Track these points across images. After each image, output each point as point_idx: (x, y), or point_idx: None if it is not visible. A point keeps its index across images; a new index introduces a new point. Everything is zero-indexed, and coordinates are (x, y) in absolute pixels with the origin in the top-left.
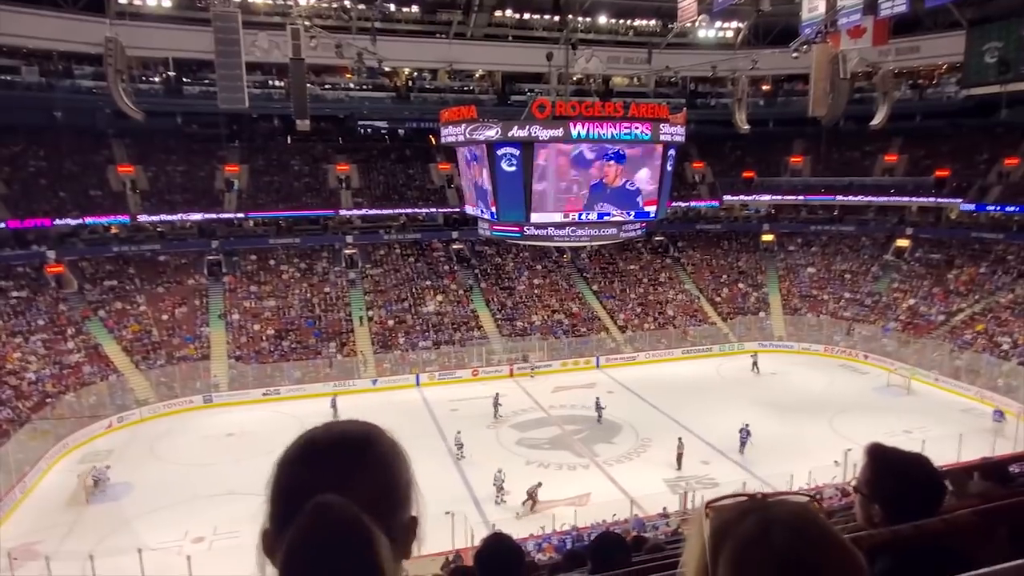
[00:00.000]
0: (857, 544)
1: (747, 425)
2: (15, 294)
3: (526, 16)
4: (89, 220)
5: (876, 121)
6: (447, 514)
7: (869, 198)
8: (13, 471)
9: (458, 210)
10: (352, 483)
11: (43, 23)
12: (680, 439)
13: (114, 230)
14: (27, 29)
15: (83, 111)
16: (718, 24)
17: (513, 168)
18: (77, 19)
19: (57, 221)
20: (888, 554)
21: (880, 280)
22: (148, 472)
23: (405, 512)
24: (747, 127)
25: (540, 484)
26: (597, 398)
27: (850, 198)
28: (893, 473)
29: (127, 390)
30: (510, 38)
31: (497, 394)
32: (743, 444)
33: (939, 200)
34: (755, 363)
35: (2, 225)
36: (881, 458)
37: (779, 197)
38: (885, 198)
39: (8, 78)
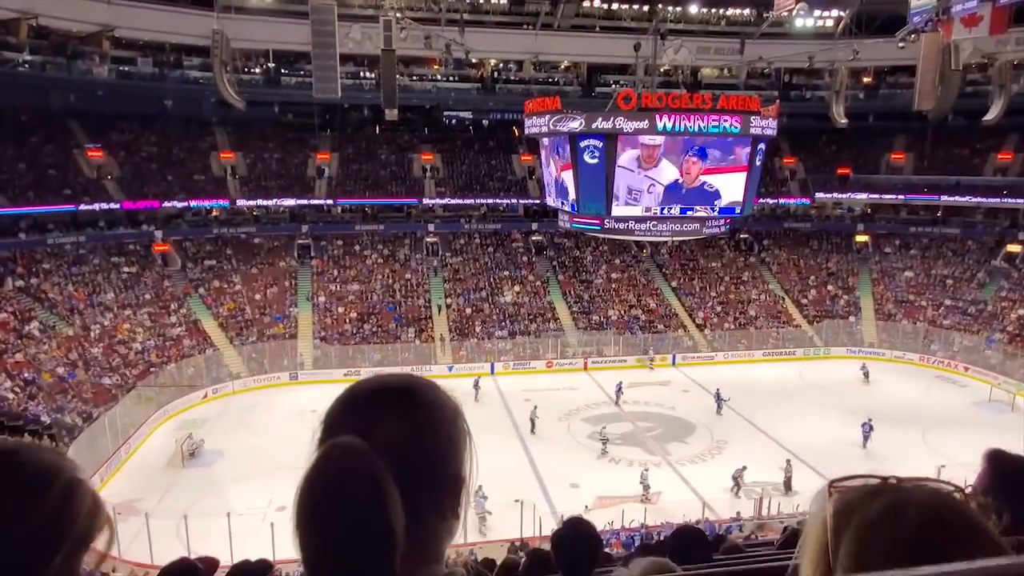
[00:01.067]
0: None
1: (870, 420)
2: (126, 270)
3: (614, 6)
4: (193, 203)
5: (990, 116)
6: (516, 502)
7: (978, 199)
8: (120, 433)
9: (539, 201)
10: (381, 427)
11: (157, 17)
12: (788, 461)
13: (215, 213)
14: (143, 23)
15: (191, 100)
16: (817, 12)
17: (596, 160)
18: (187, 13)
19: (165, 203)
20: None
21: (986, 287)
22: (238, 441)
23: (447, 465)
24: (845, 121)
25: (745, 467)
26: (718, 389)
27: (956, 198)
28: (1017, 477)
29: (221, 364)
30: (597, 29)
31: (620, 383)
32: (866, 438)
33: None
34: (866, 374)
35: (117, 205)
36: (1005, 463)
37: (876, 196)
38: (996, 199)
39: (125, 68)
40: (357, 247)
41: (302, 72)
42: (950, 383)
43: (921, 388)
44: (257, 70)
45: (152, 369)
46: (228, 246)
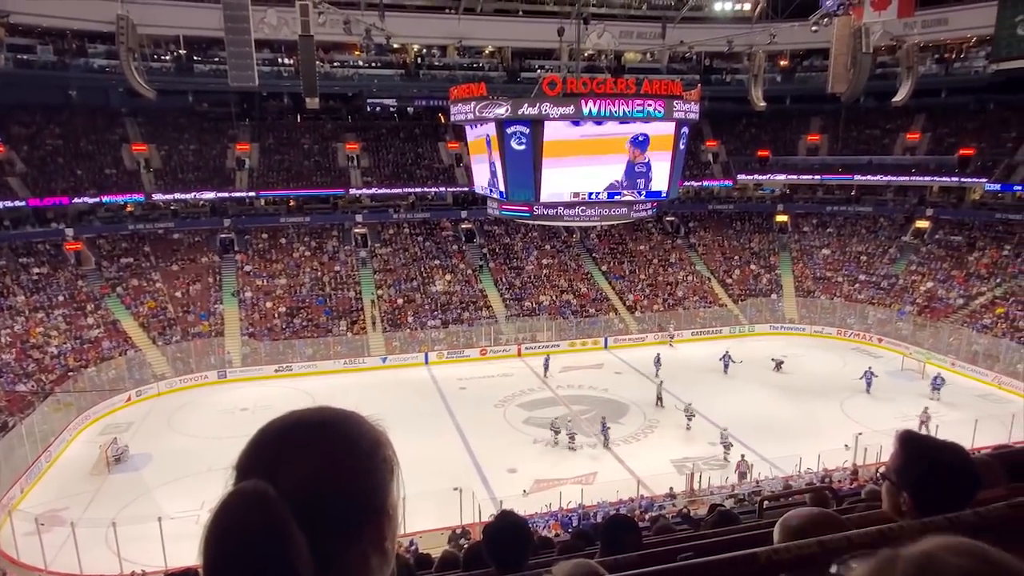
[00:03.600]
0: (885, 535)
1: (871, 368)
2: (36, 270)
3: None
4: (105, 198)
5: (899, 97)
6: (455, 490)
7: (888, 178)
8: (39, 441)
9: (467, 189)
10: (289, 467)
11: (56, 2)
12: (743, 456)
13: (129, 208)
14: (40, 8)
15: (97, 90)
16: None
17: (523, 147)
18: None
19: (75, 199)
20: None
21: (897, 262)
22: (166, 444)
23: (365, 499)
24: (763, 104)
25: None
26: (727, 351)
27: (868, 178)
28: (926, 460)
29: (145, 365)
30: (520, 13)
31: (547, 358)
32: (868, 384)
33: (962, 180)
34: (779, 364)
35: (23, 203)
36: (914, 445)
37: (795, 176)
38: (905, 178)
39: (24, 57)
40: (283, 240)
41: (216, 59)
42: (866, 354)
43: (839, 360)
44: (168, 58)
45: (70, 373)
46: (146, 242)
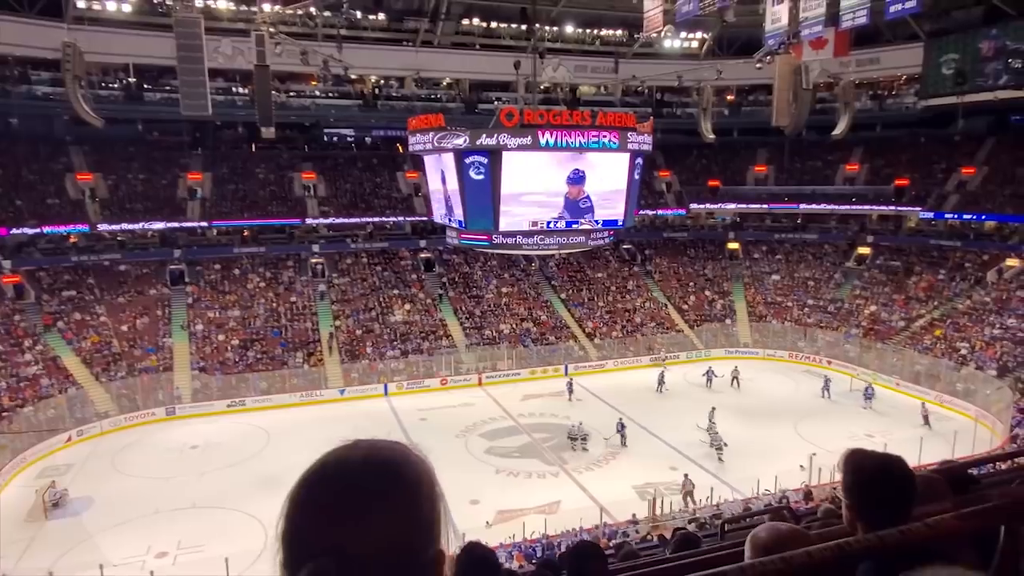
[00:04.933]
0: (843, 549)
1: (870, 385)
2: None
3: (493, 25)
4: (47, 229)
5: (837, 131)
6: None
7: (831, 206)
8: None
9: (425, 218)
10: (360, 534)
11: None
12: (686, 475)
13: (73, 239)
14: None
15: (40, 118)
16: (683, 34)
17: (481, 176)
18: (34, 23)
19: (13, 230)
20: (875, 559)
21: (842, 287)
22: (109, 486)
23: (430, 549)
24: (712, 136)
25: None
26: (710, 367)
27: (813, 206)
28: (869, 475)
29: (87, 403)
30: (477, 46)
31: (571, 380)
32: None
33: (899, 208)
34: (735, 378)
35: None
36: (858, 462)
37: (744, 205)
38: (847, 207)
39: None
40: (237, 271)
41: (168, 88)
42: (816, 376)
43: (791, 382)
44: (116, 85)
45: (4, 413)
46: (90, 275)
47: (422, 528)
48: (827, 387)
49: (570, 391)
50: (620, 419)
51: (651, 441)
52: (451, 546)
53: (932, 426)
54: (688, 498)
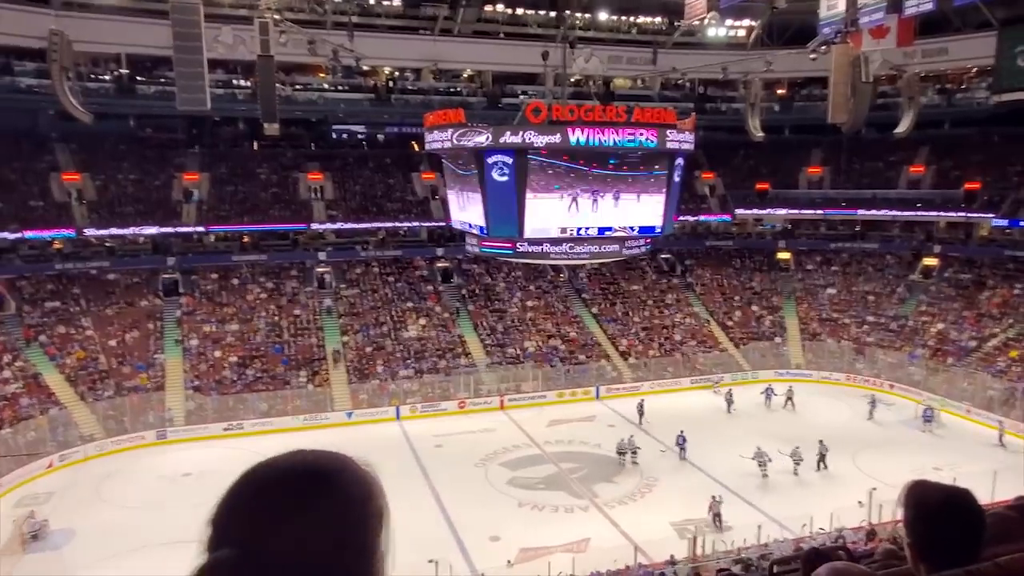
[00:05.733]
0: None
1: (683, 431)
2: None
3: (519, 11)
4: (29, 234)
5: (901, 129)
6: (430, 562)
7: (894, 212)
8: None
9: (443, 224)
10: (280, 533)
11: None
12: (714, 496)
13: (57, 245)
14: None
15: (24, 112)
16: (729, 22)
17: (505, 178)
18: (18, 9)
19: None
20: None
21: (907, 302)
22: (93, 517)
23: (360, 559)
24: (761, 134)
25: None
26: (681, 432)
27: (873, 212)
28: (933, 510)
29: (70, 425)
30: (501, 35)
31: (642, 401)
32: (927, 421)
33: (969, 215)
34: (789, 398)
35: None
36: (921, 495)
37: (796, 211)
38: (911, 213)
39: None
40: (235, 281)
41: (163, 80)
42: (878, 402)
43: (848, 408)
44: (107, 77)
45: None
46: (75, 284)
47: (351, 545)
48: (873, 407)
49: (640, 414)
50: (682, 431)
51: (691, 472)
52: (391, 565)
53: (1007, 447)
54: (717, 520)
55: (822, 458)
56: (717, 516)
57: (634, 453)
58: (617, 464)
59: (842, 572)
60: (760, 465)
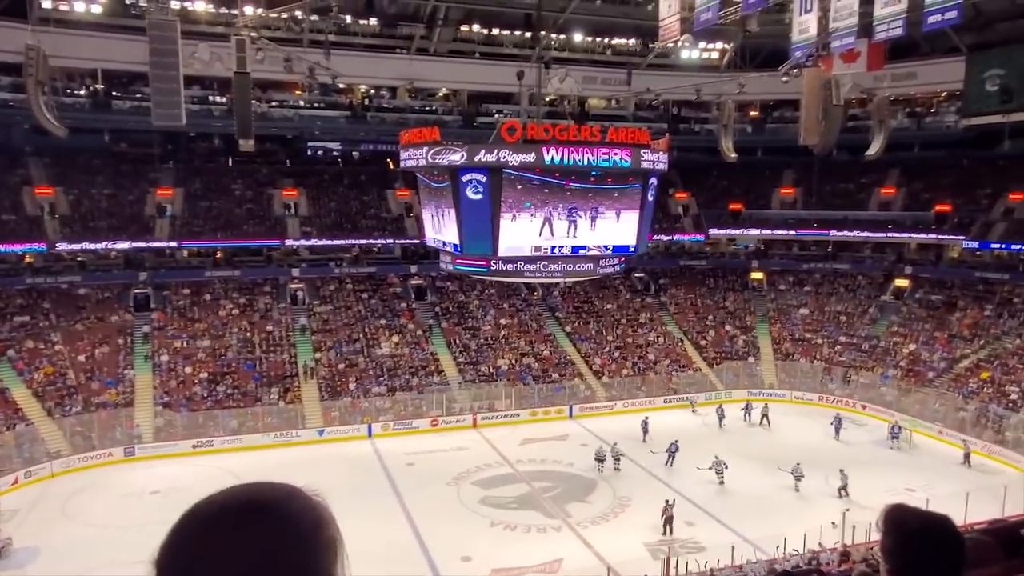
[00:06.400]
0: None
1: (676, 441)
2: None
3: (495, 31)
4: (0, 248)
5: (872, 151)
6: None
7: (865, 234)
8: None
9: (417, 241)
10: (219, 566)
11: None
12: (668, 501)
13: (28, 259)
14: None
15: None
16: (702, 45)
17: (479, 196)
18: None
19: None
20: None
21: (878, 323)
22: (59, 535)
23: None
24: (734, 155)
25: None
26: (675, 442)
27: (844, 233)
28: (912, 538)
29: (37, 441)
30: (477, 55)
31: (646, 418)
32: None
33: (940, 237)
34: (765, 415)
35: None
36: (899, 520)
37: (769, 231)
38: (882, 234)
39: None
40: (208, 296)
41: (138, 95)
42: (850, 422)
43: (822, 429)
44: (83, 92)
45: None
46: (45, 299)
47: (294, 570)
48: (839, 426)
49: (645, 431)
50: (675, 441)
51: (665, 492)
52: None
53: (973, 467)
54: (668, 525)
55: (844, 487)
56: (669, 521)
57: (617, 460)
58: (590, 481)
59: None
60: (717, 473)
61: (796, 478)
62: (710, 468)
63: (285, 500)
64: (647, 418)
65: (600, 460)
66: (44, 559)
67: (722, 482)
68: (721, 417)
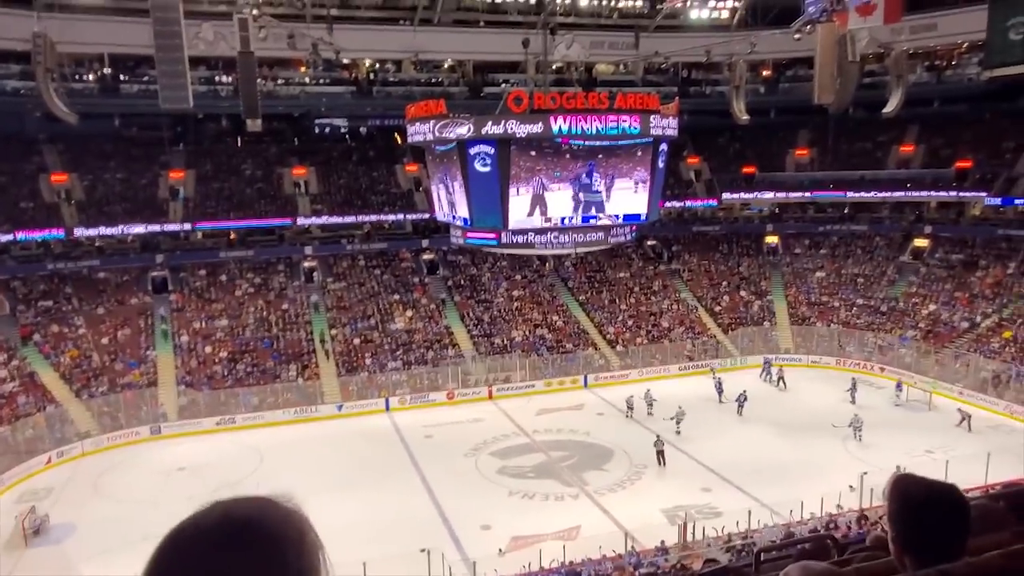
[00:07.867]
0: None
1: (745, 391)
2: None
3: None
4: (20, 235)
5: (889, 108)
6: (422, 551)
7: (883, 193)
8: None
9: (428, 216)
10: None
11: None
12: (658, 436)
13: (49, 245)
14: None
15: (10, 115)
16: (711, 4)
17: (487, 168)
18: (1, 13)
19: None
20: None
21: (897, 284)
22: (92, 511)
23: None
24: (746, 117)
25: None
26: (744, 392)
27: (862, 194)
28: (916, 506)
29: (67, 422)
30: (482, 24)
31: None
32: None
33: (961, 194)
34: (781, 378)
35: None
36: (904, 489)
37: (783, 194)
38: (901, 193)
39: None
40: (223, 277)
41: (145, 79)
42: (867, 385)
43: (839, 392)
44: (91, 77)
45: None
46: (67, 283)
47: None
48: (854, 390)
49: (719, 391)
50: (744, 391)
51: (681, 459)
52: None
53: (972, 430)
54: (660, 457)
55: (858, 428)
56: (660, 454)
57: (650, 405)
58: (606, 450)
59: (811, 571)
60: (676, 423)
61: (856, 429)
62: (671, 419)
63: (267, 512)
64: (720, 379)
65: (631, 408)
66: (79, 535)
67: (679, 432)
68: (720, 390)
